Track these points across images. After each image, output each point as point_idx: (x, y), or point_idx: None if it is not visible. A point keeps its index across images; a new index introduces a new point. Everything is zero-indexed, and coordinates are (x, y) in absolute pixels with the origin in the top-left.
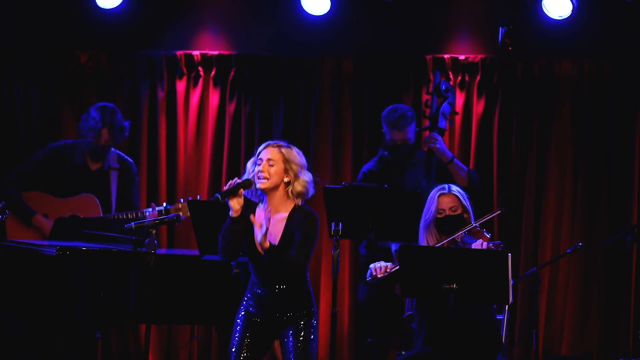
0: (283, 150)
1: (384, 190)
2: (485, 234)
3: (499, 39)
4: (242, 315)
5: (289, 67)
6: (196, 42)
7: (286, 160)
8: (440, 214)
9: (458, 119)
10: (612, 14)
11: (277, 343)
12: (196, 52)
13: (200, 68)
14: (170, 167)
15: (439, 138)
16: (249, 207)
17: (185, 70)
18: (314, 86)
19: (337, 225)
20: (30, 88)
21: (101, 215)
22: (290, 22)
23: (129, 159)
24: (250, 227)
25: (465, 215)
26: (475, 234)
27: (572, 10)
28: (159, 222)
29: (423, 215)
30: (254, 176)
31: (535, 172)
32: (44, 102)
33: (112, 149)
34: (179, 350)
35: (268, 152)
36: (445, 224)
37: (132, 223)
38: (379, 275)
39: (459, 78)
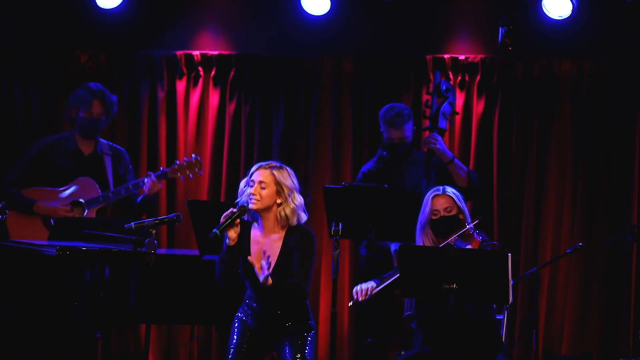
0: (275, 172)
1: (384, 190)
2: (476, 237)
3: (499, 39)
4: (238, 325)
5: (289, 67)
6: (196, 42)
7: (278, 183)
8: (435, 215)
9: (458, 119)
10: (612, 14)
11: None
12: (196, 52)
13: (200, 68)
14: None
15: (439, 138)
16: (244, 228)
17: (185, 70)
18: (314, 86)
19: (337, 225)
20: (30, 88)
21: (100, 194)
22: (290, 22)
23: (120, 147)
24: (246, 246)
25: (460, 216)
26: (467, 238)
27: (572, 10)
28: (159, 222)
29: (419, 216)
30: (246, 200)
31: (535, 172)
32: (44, 102)
33: (103, 140)
34: (179, 350)
35: (260, 175)
36: (440, 225)
37: (132, 223)
38: (359, 299)
39: (459, 78)
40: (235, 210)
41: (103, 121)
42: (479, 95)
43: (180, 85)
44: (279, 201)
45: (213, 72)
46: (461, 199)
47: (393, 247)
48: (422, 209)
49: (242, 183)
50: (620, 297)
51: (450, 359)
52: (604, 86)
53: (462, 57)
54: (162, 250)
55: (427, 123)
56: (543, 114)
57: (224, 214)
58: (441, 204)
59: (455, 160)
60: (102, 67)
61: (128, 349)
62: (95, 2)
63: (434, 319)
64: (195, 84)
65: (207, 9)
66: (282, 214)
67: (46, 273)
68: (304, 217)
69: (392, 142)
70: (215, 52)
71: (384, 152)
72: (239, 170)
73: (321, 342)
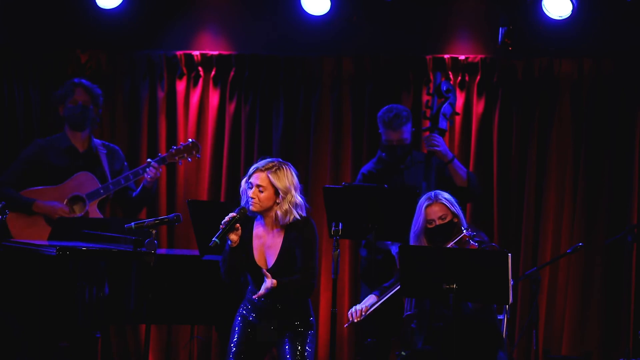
0: (271, 175)
1: (384, 190)
2: (473, 244)
3: (499, 39)
4: (239, 322)
5: (289, 67)
6: (196, 42)
7: (274, 185)
8: (431, 224)
9: (458, 119)
10: (612, 14)
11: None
12: (196, 52)
13: (200, 68)
14: (170, 167)
15: (440, 140)
16: (248, 222)
17: (185, 71)
18: (314, 86)
19: (337, 225)
20: (30, 88)
21: (100, 186)
22: (290, 22)
23: (114, 145)
24: (248, 241)
25: (455, 220)
26: (463, 244)
27: (572, 10)
28: (159, 222)
29: (412, 225)
30: (246, 201)
31: (535, 172)
32: (44, 102)
33: (96, 140)
34: (179, 350)
35: (257, 178)
36: (437, 234)
37: (132, 223)
38: (355, 320)
39: (459, 78)
40: (234, 214)
41: (91, 110)
42: (479, 96)
43: (180, 86)
44: (277, 201)
45: (213, 72)
46: (454, 203)
47: (394, 249)
48: (415, 218)
49: (243, 182)
50: (620, 297)
51: (452, 358)
52: (604, 86)
53: (462, 57)
54: (162, 250)
55: (427, 124)
56: (543, 114)
57: (224, 221)
58: (435, 213)
59: (455, 160)
60: (102, 67)
61: (128, 349)
62: (95, 2)
63: (435, 319)
64: (195, 84)
65: (207, 9)
66: (278, 214)
67: (46, 273)
68: (297, 216)
69: (390, 144)
70: (215, 52)
71: (383, 154)
72: (239, 170)
73: (321, 342)
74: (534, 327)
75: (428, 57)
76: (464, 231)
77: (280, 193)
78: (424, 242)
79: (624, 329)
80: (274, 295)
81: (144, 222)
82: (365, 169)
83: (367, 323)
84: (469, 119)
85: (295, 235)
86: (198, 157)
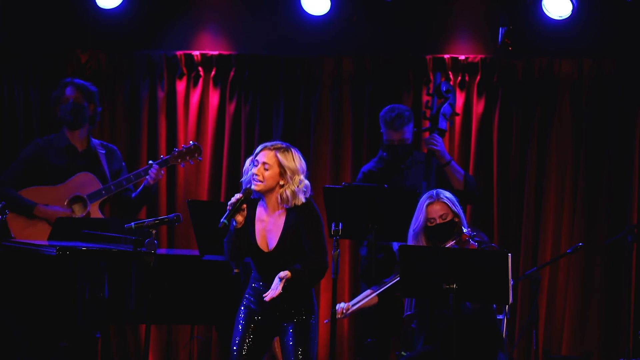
0: (279, 154)
1: (384, 190)
2: (472, 243)
3: (499, 39)
4: (242, 312)
5: (289, 67)
6: (196, 42)
7: (281, 165)
8: (431, 222)
9: (458, 119)
10: (612, 14)
11: (275, 343)
12: (196, 52)
13: (200, 68)
14: (170, 167)
15: (440, 140)
16: (251, 205)
17: (185, 71)
18: (314, 86)
19: (337, 225)
20: (30, 88)
21: (101, 187)
22: (290, 22)
23: (111, 145)
24: (251, 225)
25: (456, 220)
26: (462, 244)
27: (572, 10)
28: (159, 222)
29: (412, 223)
30: (249, 180)
31: (535, 172)
32: (44, 102)
33: (95, 140)
34: (179, 350)
35: (264, 156)
36: (437, 233)
37: (132, 223)
38: (337, 316)
39: (459, 78)
40: (240, 195)
41: (84, 108)
42: (479, 96)
43: (180, 86)
44: (281, 182)
45: (213, 72)
46: (456, 202)
47: (395, 246)
48: (415, 216)
49: (248, 161)
50: (620, 297)
51: (452, 358)
52: (604, 86)
53: (462, 57)
54: (162, 250)
55: (427, 124)
56: (543, 114)
57: (230, 202)
58: (436, 212)
59: (452, 163)
60: (102, 67)
61: (128, 349)
62: (95, 2)
63: (435, 319)
64: (195, 84)
65: (207, 9)
66: (284, 195)
67: (46, 273)
68: (302, 200)
69: (391, 143)
70: (215, 52)
71: (384, 153)
72: (239, 170)
73: (321, 342)
74: (534, 327)
75: (428, 57)
76: (464, 230)
77: (288, 173)
78: (422, 241)
79: (624, 329)
80: (289, 286)
81: (144, 222)
82: (366, 167)
83: (367, 323)
84: (469, 119)
85: (297, 217)
86: (199, 160)
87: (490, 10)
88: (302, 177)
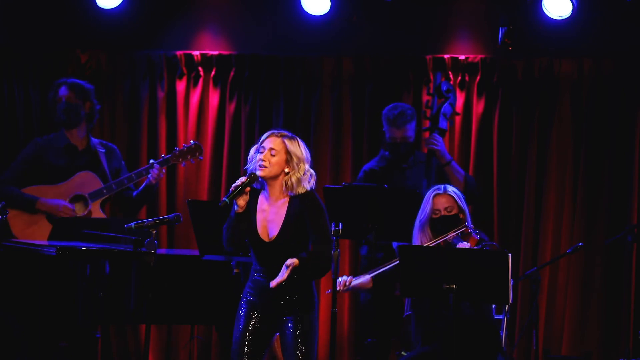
0: (286, 140)
1: (384, 190)
2: (474, 236)
3: (499, 39)
4: (243, 305)
5: (289, 67)
6: (196, 42)
7: (288, 152)
8: (436, 214)
9: (458, 119)
10: (612, 14)
11: (276, 342)
12: (196, 52)
13: (200, 68)
14: (170, 167)
15: (440, 139)
16: (253, 195)
17: (185, 71)
18: (314, 86)
19: (337, 225)
20: (30, 88)
21: (102, 186)
22: (290, 22)
23: (111, 144)
24: (252, 214)
25: (461, 216)
26: (465, 236)
27: (572, 10)
28: (159, 222)
29: (418, 215)
30: (255, 167)
31: (535, 172)
32: (44, 102)
33: (95, 139)
34: (179, 350)
35: (271, 142)
36: (439, 224)
37: (132, 223)
38: (338, 288)
39: (459, 78)
40: (245, 178)
41: (79, 106)
42: (479, 96)
43: (180, 86)
44: (286, 170)
45: (213, 72)
46: (462, 198)
47: (395, 245)
48: (422, 208)
49: (252, 150)
50: (620, 297)
51: (451, 358)
52: (604, 86)
53: (462, 57)
54: (162, 250)
55: (427, 123)
56: (543, 114)
57: (234, 184)
58: (442, 204)
59: (453, 163)
60: (102, 67)
61: (128, 349)
62: (95, 2)
63: (433, 320)
64: (195, 84)
65: (207, 9)
66: (289, 182)
67: (46, 273)
68: (307, 188)
69: (394, 141)
70: (215, 52)
71: (386, 152)
72: (239, 170)
73: (321, 342)
74: (534, 327)
75: (428, 57)
76: (467, 224)
77: (294, 160)
78: (428, 232)
79: (624, 329)
80: (296, 275)
81: (144, 222)
82: (367, 166)
83: (367, 323)
84: (469, 119)
85: (299, 206)
86: (200, 159)
87: (490, 10)
88: (307, 166)
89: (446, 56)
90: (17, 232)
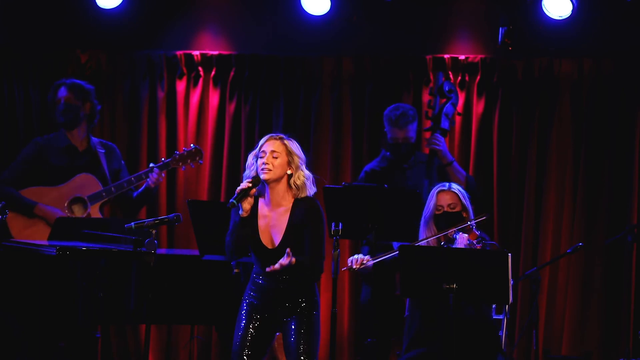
0: (285, 142)
1: (384, 190)
2: (475, 231)
3: (499, 39)
4: (245, 307)
5: (289, 67)
6: (196, 42)
7: (289, 153)
8: (439, 210)
9: (458, 119)
10: (612, 14)
11: (276, 343)
12: (196, 52)
13: (200, 68)
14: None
15: (442, 140)
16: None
17: (185, 71)
18: (314, 86)
19: (337, 225)
20: (30, 88)
21: (102, 189)
22: (290, 22)
23: (111, 143)
24: (254, 221)
25: (464, 214)
26: (466, 231)
27: (572, 10)
28: (159, 222)
29: (424, 210)
30: (257, 170)
31: (535, 172)
32: (44, 102)
33: (95, 138)
34: (179, 350)
35: (271, 145)
36: (441, 220)
37: (132, 223)
38: (354, 267)
39: (459, 78)
40: (250, 180)
41: (78, 107)
42: (479, 95)
43: (180, 86)
44: (289, 172)
45: (213, 72)
46: (466, 196)
47: (395, 245)
48: (427, 204)
49: (251, 157)
50: (620, 297)
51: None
52: (604, 86)
53: (462, 57)
54: (162, 250)
55: (429, 123)
56: (543, 114)
57: (239, 187)
58: (445, 200)
59: (454, 163)
60: (102, 67)
61: (128, 349)
62: (95, 2)
63: (428, 320)
64: (195, 84)
65: (207, 9)
66: (293, 185)
67: (46, 273)
68: (312, 190)
69: (396, 142)
70: (215, 52)
71: (387, 153)
72: (239, 170)
73: (321, 342)
74: (534, 327)
75: (428, 57)
76: (469, 222)
77: (295, 161)
78: (433, 228)
79: (624, 329)
80: (288, 272)
81: (144, 222)
82: (368, 167)
83: (367, 323)
84: (469, 119)
85: (303, 215)
86: (200, 163)
87: (490, 10)
88: (304, 167)
89: (446, 56)
90: (16, 233)
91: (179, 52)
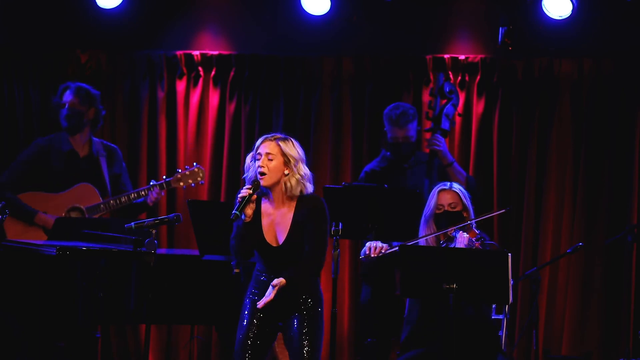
0: (280, 143)
1: (384, 190)
2: (474, 229)
3: (499, 39)
4: (248, 304)
5: (289, 67)
6: (196, 42)
7: (284, 154)
8: (439, 209)
9: (458, 119)
10: (612, 14)
11: (276, 343)
12: (196, 52)
13: (200, 68)
14: (170, 167)
15: (442, 140)
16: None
17: (185, 71)
18: (314, 86)
19: (337, 225)
20: (30, 88)
21: (101, 201)
22: (290, 22)
23: (112, 144)
24: (257, 220)
25: (464, 214)
26: (466, 230)
27: (572, 10)
28: (159, 222)
29: (425, 209)
30: (255, 172)
31: (535, 172)
32: (44, 102)
33: (96, 139)
34: (179, 350)
35: (266, 147)
36: (442, 219)
37: (132, 223)
38: (372, 255)
39: (459, 78)
40: (249, 186)
41: (83, 113)
42: (479, 95)
43: (180, 86)
44: (286, 172)
45: (213, 72)
46: (467, 196)
47: (395, 243)
48: (427, 202)
49: (248, 158)
50: (620, 297)
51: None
52: (604, 86)
53: (462, 57)
54: (162, 250)
55: (429, 124)
56: (543, 114)
57: (240, 194)
58: (446, 199)
59: (455, 164)
60: (102, 67)
61: (128, 349)
62: (95, 2)
63: (426, 321)
64: (195, 84)
65: (207, 9)
66: (288, 184)
67: (46, 273)
68: (310, 188)
69: (396, 141)
70: (215, 52)
71: (387, 153)
72: (239, 170)
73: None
74: (534, 327)
75: (428, 57)
76: (469, 221)
77: (291, 161)
78: (433, 227)
79: (624, 329)
80: (285, 291)
81: (144, 222)
82: (368, 167)
83: (367, 323)
84: (469, 119)
85: (307, 214)
86: (201, 184)
87: (490, 10)
88: (303, 165)
89: (446, 56)
90: (12, 237)
91: (179, 52)
